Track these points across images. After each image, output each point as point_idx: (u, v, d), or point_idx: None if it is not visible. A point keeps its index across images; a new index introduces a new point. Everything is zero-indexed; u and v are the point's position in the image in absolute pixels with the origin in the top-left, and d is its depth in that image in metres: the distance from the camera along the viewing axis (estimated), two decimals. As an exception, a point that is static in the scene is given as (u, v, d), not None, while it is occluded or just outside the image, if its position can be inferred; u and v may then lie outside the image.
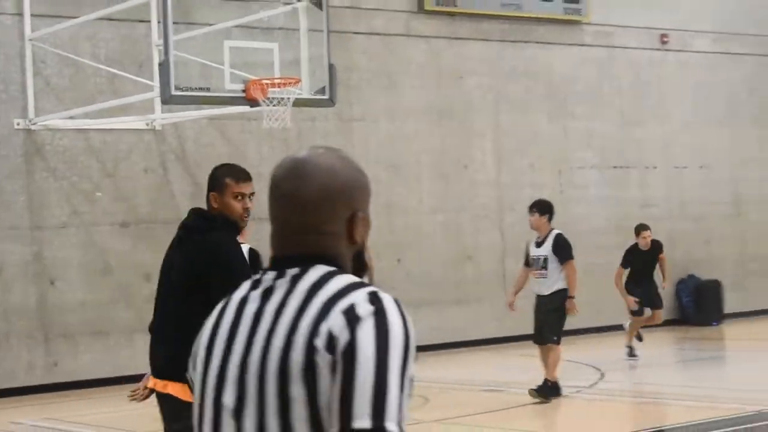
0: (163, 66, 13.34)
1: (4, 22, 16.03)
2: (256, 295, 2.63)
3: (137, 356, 16.57)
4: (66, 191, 16.38)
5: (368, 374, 2.37)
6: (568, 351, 13.66)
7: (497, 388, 14.62)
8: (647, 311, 16.61)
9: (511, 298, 13.91)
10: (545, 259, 13.45)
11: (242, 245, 7.75)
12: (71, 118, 16.13)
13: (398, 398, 2.38)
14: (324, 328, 2.46)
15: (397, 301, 2.52)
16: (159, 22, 13.90)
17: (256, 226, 10.03)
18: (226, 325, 2.64)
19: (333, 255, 2.65)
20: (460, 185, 19.70)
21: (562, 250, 13.43)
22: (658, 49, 22.21)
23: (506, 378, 15.34)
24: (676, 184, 22.20)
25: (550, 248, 13.44)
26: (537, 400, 13.15)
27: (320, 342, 2.45)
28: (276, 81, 14.05)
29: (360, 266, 2.73)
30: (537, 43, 20.87)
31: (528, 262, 13.78)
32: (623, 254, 16.87)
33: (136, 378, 16.57)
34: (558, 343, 13.28)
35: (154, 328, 7.28)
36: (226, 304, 2.69)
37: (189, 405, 2.87)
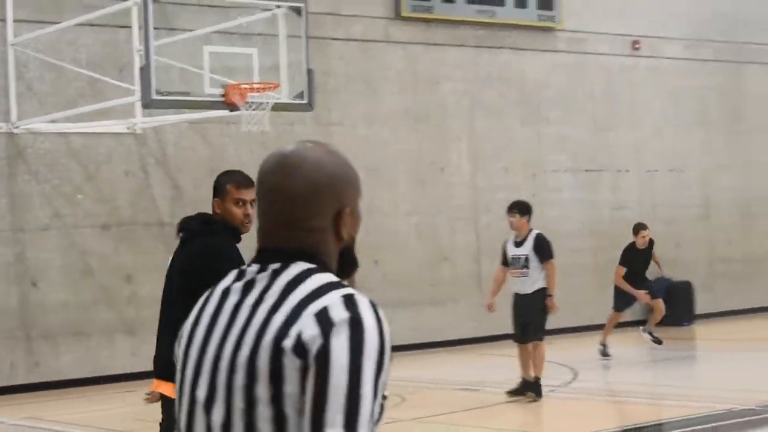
0: (144, 71, 13.31)
1: (-14, 27, 15.96)
2: (238, 287, 2.57)
3: (117, 357, 16.55)
4: (48, 194, 16.31)
5: (341, 383, 2.30)
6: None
7: (473, 387, 14.62)
8: (630, 309, 16.86)
9: (491, 300, 13.91)
10: (527, 258, 13.47)
11: None
12: (53, 121, 16.06)
13: (371, 406, 2.32)
14: (294, 331, 2.39)
15: (373, 305, 2.44)
16: (140, 28, 13.86)
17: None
18: (206, 317, 2.58)
19: (317, 251, 2.56)
20: (436, 188, 19.70)
21: (544, 249, 13.47)
22: (629, 56, 22.26)
23: (482, 377, 15.35)
24: (647, 187, 22.25)
25: (532, 248, 13.46)
26: (528, 400, 13.18)
27: (288, 344, 2.38)
28: (255, 86, 14.03)
29: (348, 263, 2.65)
30: (511, 49, 20.89)
31: (506, 262, 13.78)
32: (621, 253, 17.00)
33: (116, 378, 16.62)
34: (542, 339, 13.35)
35: (158, 330, 7.31)
36: (210, 294, 2.63)
37: None
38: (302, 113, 16.33)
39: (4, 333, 15.93)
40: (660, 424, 11.93)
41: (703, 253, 22.62)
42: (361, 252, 2.74)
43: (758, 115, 23.80)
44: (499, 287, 13.92)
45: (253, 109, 13.88)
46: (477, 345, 18.87)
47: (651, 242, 17.09)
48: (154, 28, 13.37)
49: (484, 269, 19.13)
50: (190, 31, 15.39)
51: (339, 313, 2.38)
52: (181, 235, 7.06)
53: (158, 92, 13.38)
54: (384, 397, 2.41)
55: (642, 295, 16.58)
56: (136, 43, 14.87)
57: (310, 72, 14.35)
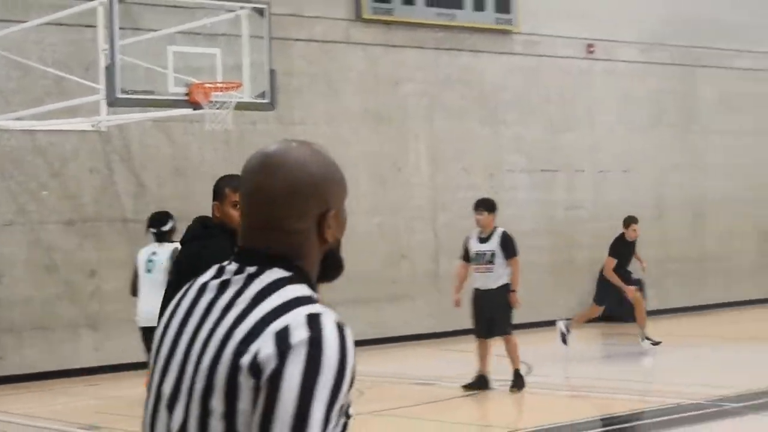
0: (109, 69, 13.29)
1: (-47, 25, 15.88)
2: (214, 285, 2.47)
3: (81, 351, 16.51)
4: (13, 190, 16.25)
5: (289, 408, 2.21)
6: (499, 346, 13.75)
7: (430, 381, 14.69)
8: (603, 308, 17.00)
9: (457, 295, 13.95)
10: (492, 254, 13.54)
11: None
12: (19, 119, 15.99)
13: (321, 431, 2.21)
14: (253, 348, 2.29)
15: (339, 326, 2.31)
16: (105, 28, 13.82)
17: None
18: (182, 311, 2.50)
19: (298, 255, 2.45)
20: (395, 187, 19.76)
21: (510, 246, 13.56)
22: (585, 58, 22.38)
23: (439, 372, 15.41)
24: (601, 187, 22.39)
25: (498, 244, 13.53)
26: (513, 390, 13.29)
27: (246, 361, 2.28)
28: (218, 85, 14.03)
29: (332, 266, 2.53)
30: (470, 51, 20.97)
31: (467, 258, 13.84)
32: (611, 245, 17.05)
33: (80, 372, 16.55)
34: (512, 333, 13.48)
35: None
36: (189, 288, 2.54)
37: None
38: (265, 112, 16.32)
39: (-32, 327, 15.87)
40: (612, 418, 12.04)
41: (654, 251, 22.79)
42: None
43: (711, 117, 23.99)
44: (463, 283, 13.99)
45: (217, 108, 13.88)
46: (434, 341, 18.94)
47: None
48: (120, 28, 13.35)
49: (442, 267, 19.23)
50: (155, 31, 15.36)
51: (299, 334, 2.27)
52: (182, 238, 7.24)
53: (123, 91, 13.37)
54: (348, 416, 2.34)
55: (630, 290, 16.64)
56: (102, 43, 14.82)
57: (272, 72, 14.36)
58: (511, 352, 13.52)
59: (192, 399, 2.36)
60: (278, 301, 2.36)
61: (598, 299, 16.98)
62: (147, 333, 11.64)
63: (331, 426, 2.24)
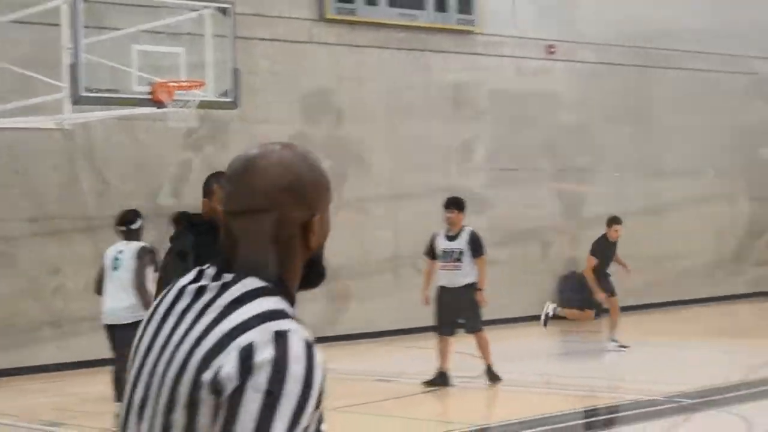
0: (73, 68, 13.22)
1: None
2: (191, 290, 2.37)
3: (43, 349, 16.40)
4: (-24, 187, 16.15)
5: (248, 429, 2.12)
6: (457, 343, 13.78)
7: (391, 378, 14.69)
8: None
9: (426, 293, 13.95)
10: (461, 252, 13.55)
11: None
12: (-18, 116, 15.88)
13: None
14: (216, 364, 2.19)
15: (307, 344, 2.20)
16: (70, 26, 13.75)
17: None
18: (159, 315, 2.41)
19: (278, 262, 2.34)
20: (359, 185, 19.75)
21: (478, 245, 13.59)
22: (545, 59, 22.44)
23: (399, 369, 15.42)
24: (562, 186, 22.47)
25: (467, 243, 13.55)
26: (488, 384, 13.34)
27: (207, 377, 2.20)
28: (182, 84, 14.00)
29: (314, 274, 2.43)
30: (432, 51, 21.00)
31: (434, 255, 13.84)
32: (593, 245, 17.04)
33: (42, 369, 16.43)
34: (482, 329, 13.53)
35: None
36: (169, 290, 2.44)
37: None
38: (228, 111, 16.29)
39: (-69, 324, 15.74)
40: (568, 414, 12.08)
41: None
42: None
43: (666, 117, 24.10)
44: (431, 280, 14.00)
45: (180, 107, 13.86)
46: (395, 337, 18.95)
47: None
48: (84, 27, 13.29)
49: (404, 265, 19.25)
50: (119, 29, 15.28)
51: (263, 353, 2.17)
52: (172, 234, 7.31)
53: (87, 89, 13.31)
54: None
55: (601, 295, 16.64)
56: (66, 41, 14.74)
57: (235, 71, 14.36)
58: (483, 348, 13.58)
59: (157, 410, 2.29)
60: (247, 315, 2.25)
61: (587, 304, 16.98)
62: (112, 331, 11.58)
63: None
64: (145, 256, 11.74)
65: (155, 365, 2.33)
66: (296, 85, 19.22)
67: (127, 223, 12.22)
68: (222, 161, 17.69)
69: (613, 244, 17.04)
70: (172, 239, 7.46)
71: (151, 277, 11.37)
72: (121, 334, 11.15)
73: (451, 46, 21.21)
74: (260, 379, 2.16)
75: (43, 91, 15.20)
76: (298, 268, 2.38)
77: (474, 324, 13.57)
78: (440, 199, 14.51)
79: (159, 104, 13.86)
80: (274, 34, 19.09)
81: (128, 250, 11.98)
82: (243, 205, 2.35)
